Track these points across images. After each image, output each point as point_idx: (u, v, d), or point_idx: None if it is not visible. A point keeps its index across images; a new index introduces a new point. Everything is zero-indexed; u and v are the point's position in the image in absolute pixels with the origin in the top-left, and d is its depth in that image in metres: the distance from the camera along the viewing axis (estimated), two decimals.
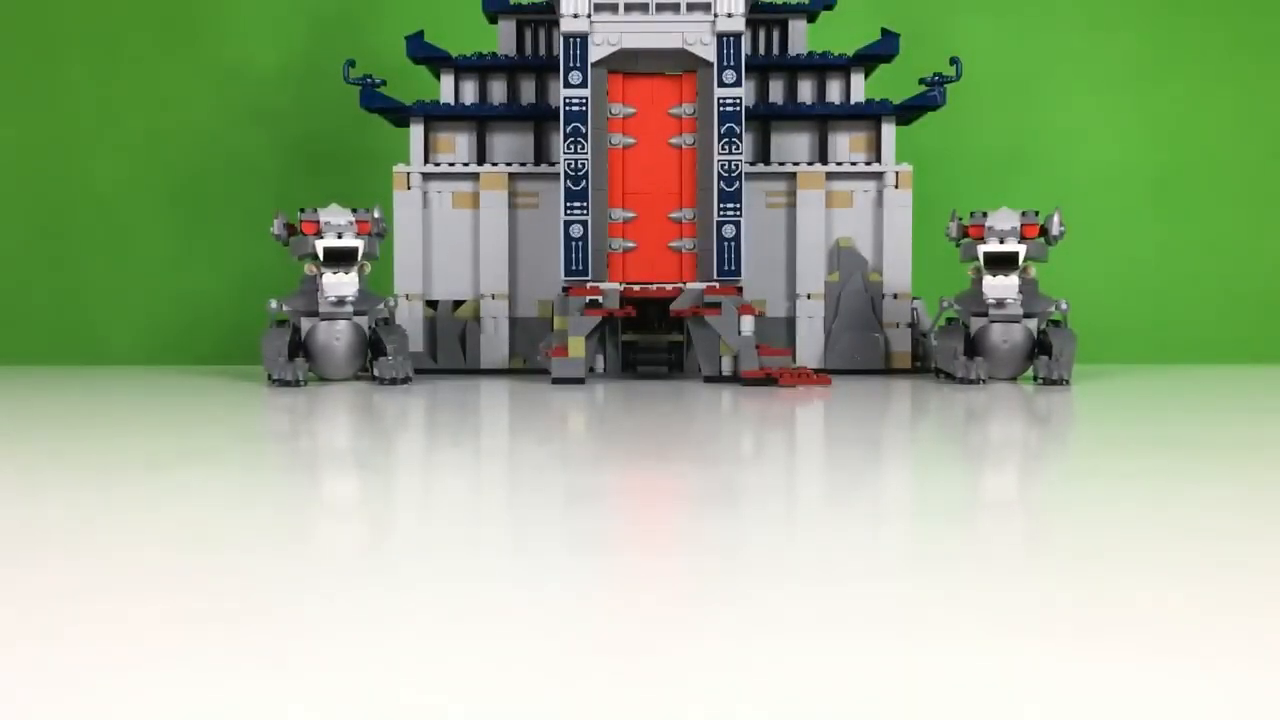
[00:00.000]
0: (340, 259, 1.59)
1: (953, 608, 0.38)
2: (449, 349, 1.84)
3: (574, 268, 1.66)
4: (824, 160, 1.84)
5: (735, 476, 0.72)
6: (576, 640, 0.35)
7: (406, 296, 1.83)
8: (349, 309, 1.60)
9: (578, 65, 1.65)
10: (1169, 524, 0.53)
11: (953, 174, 2.12)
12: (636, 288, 1.68)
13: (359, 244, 1.60)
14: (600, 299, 1.64)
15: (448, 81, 1.86)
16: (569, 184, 1.66)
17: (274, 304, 1.61)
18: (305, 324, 1.61)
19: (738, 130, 1.66)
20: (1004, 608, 0.38)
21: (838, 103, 1.84)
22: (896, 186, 1.83)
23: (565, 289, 1.68)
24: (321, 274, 1.59)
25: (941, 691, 0.30)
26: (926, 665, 0.32)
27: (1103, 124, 2.17)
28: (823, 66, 1.85)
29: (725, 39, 1.65)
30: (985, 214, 1.62)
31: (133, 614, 0.38)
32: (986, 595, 0.39)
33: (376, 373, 1.55)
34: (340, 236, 1.60)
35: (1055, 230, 1.61)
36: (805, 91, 1.87)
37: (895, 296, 1.83)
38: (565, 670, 0.32)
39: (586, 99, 1.66)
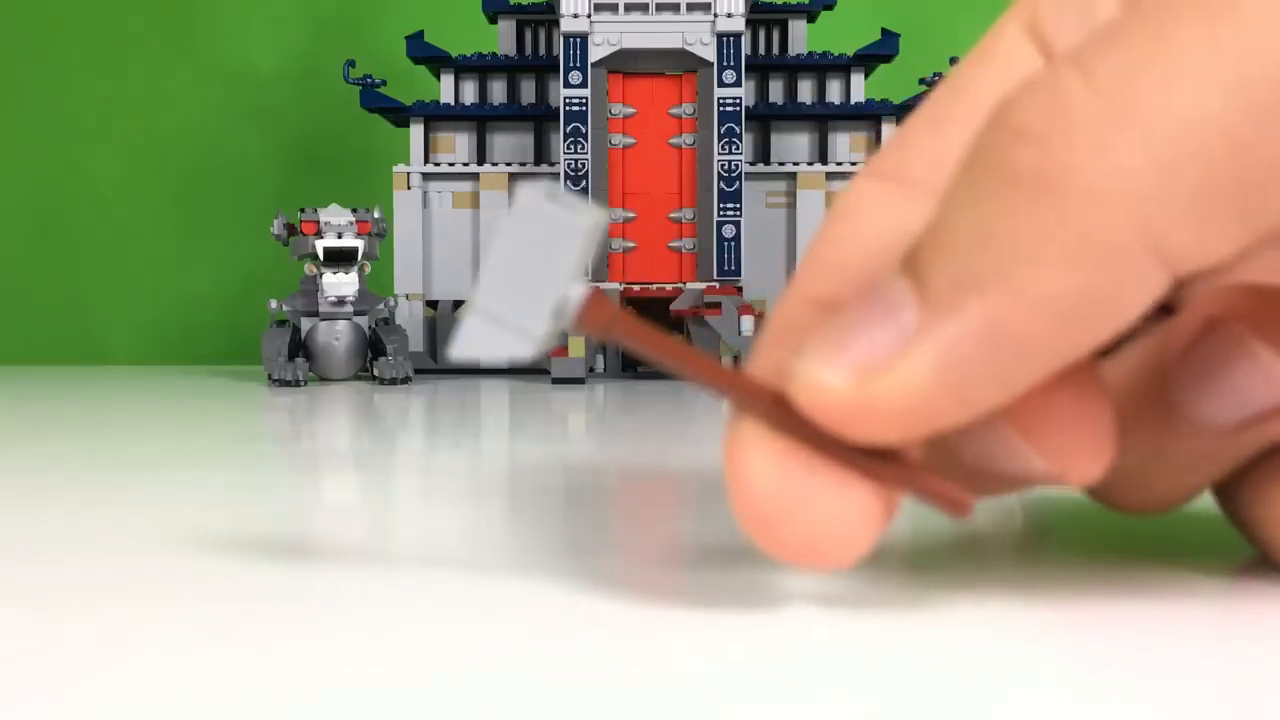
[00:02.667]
0: (340, 259, 1.59)
1: (949, 602, 0.38)
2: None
3: None
4: (824, 160, 1.84)
5: None
6: (575, 640, 0.35)
7: (407, 296, 1.83)
8: (349, 309, 1.60)
9: (578, 65, 1.65)
10: None
11: None
12: (636, 288, 1.68)
13: (359, 244, 1.60)
14: None
15: (448, 81, 1.86)
16: (569, 184, 1.66)
17: (274, 304, 1.61)
18: (305, 324, 1.61)
19: (737, 130, 1.66)
20: (1004, 603, 0.38)
21: (838, 103, 1.84)
22: None
23: None
24: (321, 274, 1.59)
25: (942, 692, 0.30)
26: (927, 665, 0.32)
27: None
28: (823, 66, 1.85)
29: (725, 39, 1.65)
30: None
31: (132, 614, 0.38)
32: (988, 590, 0.39)
33: (376, 373, 1.55)
34: (340, 236, 1.60)
35: None
36: (805, 91, 1.87)
37: None
38: (564, 670, 0.32)
39: (586, 99, 1.66)
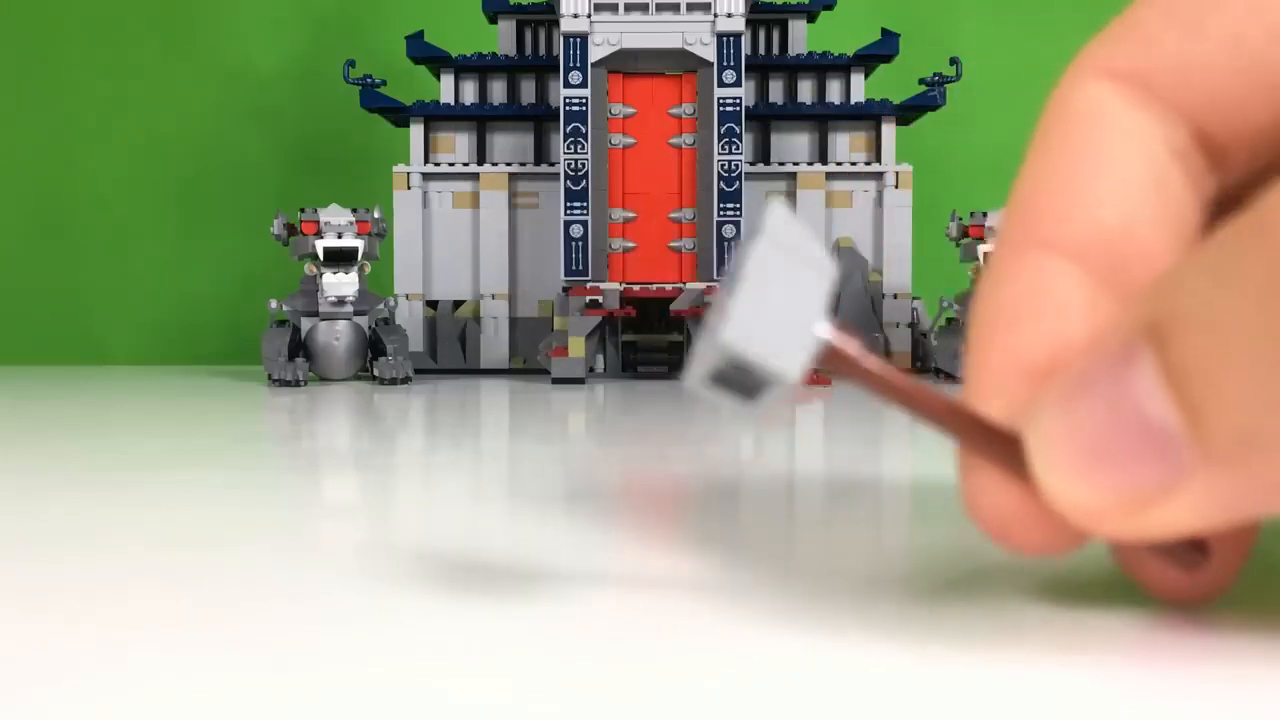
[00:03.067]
0: (340, 259, 1.59)
1: (955, 611, 0.38)
2: (449, 349, 1.84)
3: (574, 268, 1.66)
4: (824, 160, 1.84)
5: (735, 477, 0.72)
6: (573, 641, 0.35)
7: (407, 296, 1.83)
8: (349, 309, 1.60)
9: (578, 65, 1.65)
10: None
11: (952, 174, 2.12)
12: (636, 288, 1.68)
13: (359, 244, 1.60)
14: (600, 299, 1.64)
15: (448, 81, 1.86)
16: (569, 184, 1.65)
17: (274, 304, 1.61)
18: (305, 324, 1.61)
19: (737, 130, 1.66)
20: (1002, 612, 0.38)
21: (838, 103, 1.84)
22: (896, 186, 1.83)
23: (565, 289, 1.68)
24: (321, 274, 1.59)
25: (940, 701, 0.30)
26: (925, 672, 0.32)
27: None
28: (823, 66, 1.85)
29: (725, 39, 1.65)
30: (985, 214, 1.62)
31: (132, 614, 0.38)
32: (988, 598, 0.39)
33: (376, 373, 1.55)
34: (340, 236, 1.59)
35: None
36: (805, 91, 1.87)
37: (895, 296, 1.83)
38: (562, 671, 0.32)
39: (586, 99, 1.66)
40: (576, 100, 1.65)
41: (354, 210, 1.62)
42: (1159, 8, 0.36)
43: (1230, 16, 0.34)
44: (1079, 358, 0.33)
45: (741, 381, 0.33)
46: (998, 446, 0.34)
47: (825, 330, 0.32)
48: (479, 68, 1.86)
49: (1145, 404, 0.30)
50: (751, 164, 1.82)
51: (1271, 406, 0.28)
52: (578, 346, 1.60)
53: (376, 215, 1.63)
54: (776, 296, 0.32)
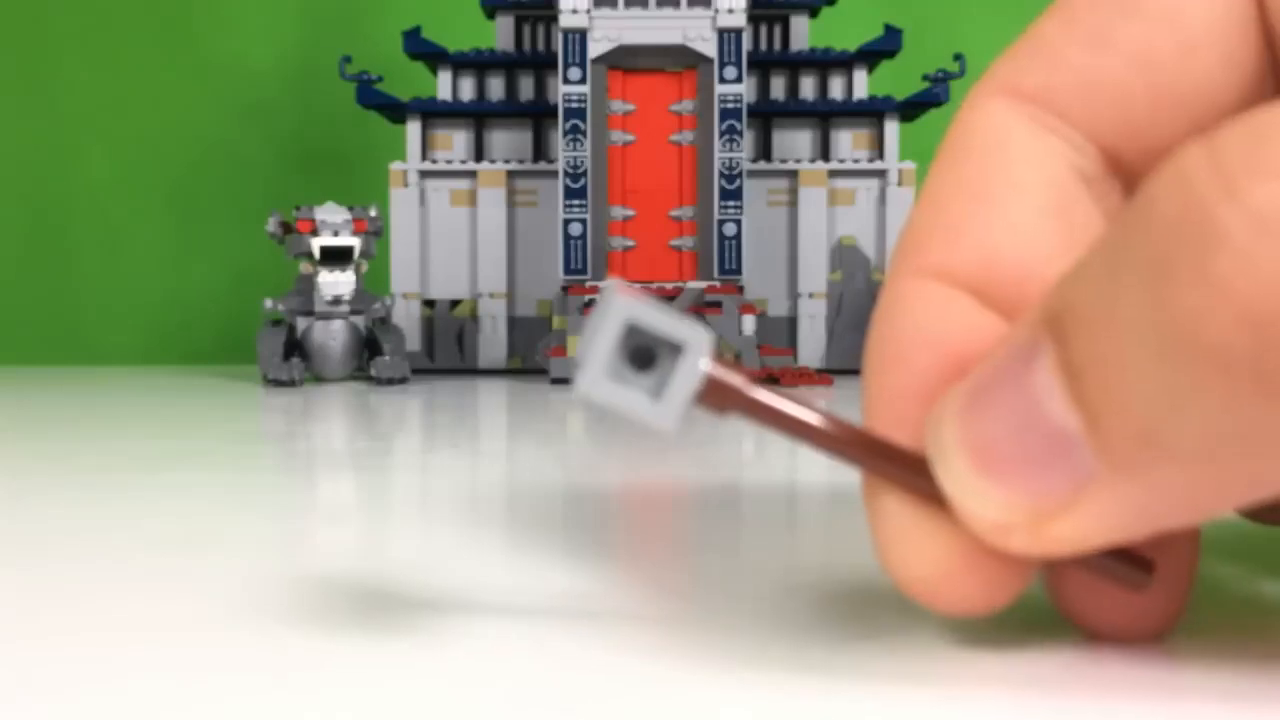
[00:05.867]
0: (337, 257, 1.58)
1: (950, 624, 0.36)
2: (446, 348, 1.82)
3: (573, 266, 1.65)
4: (826, 158, 1.83)
5: (736, 480, 0.71)
6: (572, 644, 0.34)
7: (404, 295, 1.82)
8: (345, 308, 1.58)
9: (577, 61, 1.64)
10: None
11: None
12: (636, 286, 1.67)
13: (355, 242, 1.58)
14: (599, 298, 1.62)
15: (445, 78, 1.84)
16: (568, 182, 1.64)
17: (269, 303, 1.60)
18: (301, 323, 1.59)
19: (739, 127, 1.64)
20: (995, 620, 0.36)
21: (840, 99, 1.83)
22: (900, 184, 1.82)
23: (564, 288, 1.66)
24: (318, 273, 1.58)
25: None
26: (922, 692, 0.31)
27: None
28: (825, 63, 1.84)
29: (726, 35, 1.63)
30: None
31: (128, 615, 0.38)
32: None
33: (373, 373, 1.54)
34: (337, 235, 1.58)
35: None
36: (807, 88, 1.85)
37: None
38: (562, 675, 0.31)
39: (586, 95, 1.64)
40: (575, 97, 1.64)
41: (350, 208, 1.60)
42: (1063, 21, 0.34)
43: (1138, 30, 0.32)
44: (982, 362, 0.31)
45: (641, 369, 0.30)
46: (909, 472, 0.31)
47: (706, 363, 0.30)
48: (477, 64, 1.84)
49: (1045, 404, 0.28)
50: (753, 161, 1.80)
51: (1167, 404, 0.26)
52: (576, 346, 1.58)
53: (373, 213, 1.61)
54: (652, 305, 0.30)
